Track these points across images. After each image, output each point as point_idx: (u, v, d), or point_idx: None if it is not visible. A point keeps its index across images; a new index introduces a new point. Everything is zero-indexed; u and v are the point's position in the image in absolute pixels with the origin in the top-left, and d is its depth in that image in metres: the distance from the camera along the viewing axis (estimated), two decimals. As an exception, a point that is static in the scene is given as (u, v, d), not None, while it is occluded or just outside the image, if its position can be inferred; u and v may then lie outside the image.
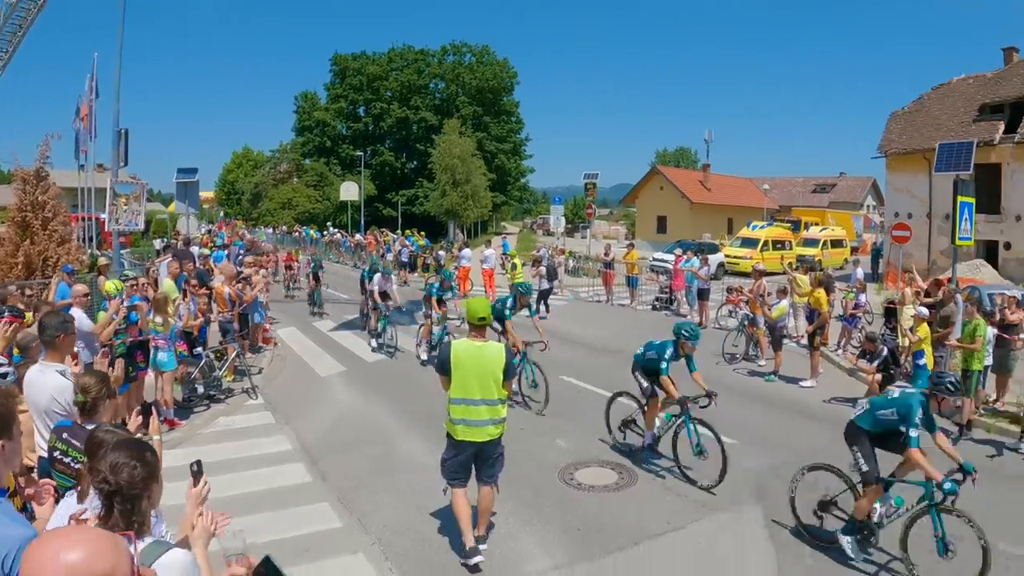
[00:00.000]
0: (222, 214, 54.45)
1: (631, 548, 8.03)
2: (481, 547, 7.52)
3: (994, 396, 14.22)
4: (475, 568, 7.30)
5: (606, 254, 30.93)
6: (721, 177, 66.48)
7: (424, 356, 17.10)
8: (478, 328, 7.61)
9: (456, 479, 7.57)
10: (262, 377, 15.55)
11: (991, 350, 13.66)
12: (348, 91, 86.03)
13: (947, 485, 7.06)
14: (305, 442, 11.58)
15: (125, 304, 11.19)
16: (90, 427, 4.81)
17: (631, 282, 28.81)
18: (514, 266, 26.23)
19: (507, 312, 14.21)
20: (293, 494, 9.27)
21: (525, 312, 14.70)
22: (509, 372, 7.59)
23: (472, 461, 7.63)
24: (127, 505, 3.12)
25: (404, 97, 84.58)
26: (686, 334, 10.54)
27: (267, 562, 2.49)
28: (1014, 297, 14.97)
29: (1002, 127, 35.24)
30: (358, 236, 50.23)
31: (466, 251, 32.64)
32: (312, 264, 27.02)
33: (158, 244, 32.90)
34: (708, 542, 8.29)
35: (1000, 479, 10.06)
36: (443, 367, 7.55)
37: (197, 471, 3.84)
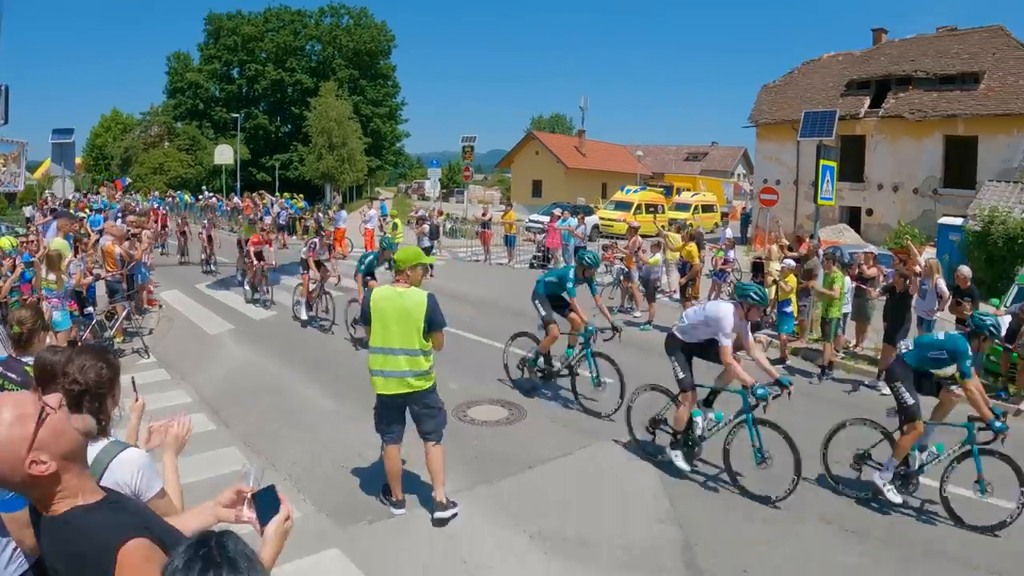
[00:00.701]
0: (129, 182, 52.11)
1: (525, 471, 8.76)
2: (440, 514, 7.26)
3: (854, 341, 15.75)
4: (396, 504, 7.50)
5: (484, 214, 31.50)
6: (596, 143, 67.53)
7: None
8: (401, 273, 7.24)
9: (386, 435, 7.41)
10: (151, 338, 15.47)
11: (850, 300, 14.94)
12: (222, 52, 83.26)
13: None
14: (204, 394, 11.78)
15: (20, 261, 11.15)
16: (26, 359, 5.03)
17: (509, 241, 29.59)
18: (395, 226, 26.65)
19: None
20: (200, 441, 9.39)
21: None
22: (435, 321, 7.13)
23: (401, 415, 7.38)
24: (95, 403, 3.48)
25: (280, 59, 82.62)
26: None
27: (270, 489, 2.70)
28: (871, 253, 16.27)
29: (868, 102, 37.65)
30: (235, 199, 49.36)
31: (342, 213, 32.86)
32: (368, 258, 15.77)
33: (28, 211, 31.82)
34: (596, 464, 9.17)
35: (860, 412, 11.08)
36: (364, 316, 7.36)
37: (134, 387, 4.24)
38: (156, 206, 37.66)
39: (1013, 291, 15.76)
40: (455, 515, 7.32)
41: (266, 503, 2.60)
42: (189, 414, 10.35)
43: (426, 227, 27.38)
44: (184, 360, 14.05)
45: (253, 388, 12.22)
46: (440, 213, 37.39)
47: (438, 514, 7.26)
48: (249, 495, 2.70)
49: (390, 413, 7.35)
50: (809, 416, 11.27)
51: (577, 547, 7.08)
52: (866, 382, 13.84)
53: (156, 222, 29.24)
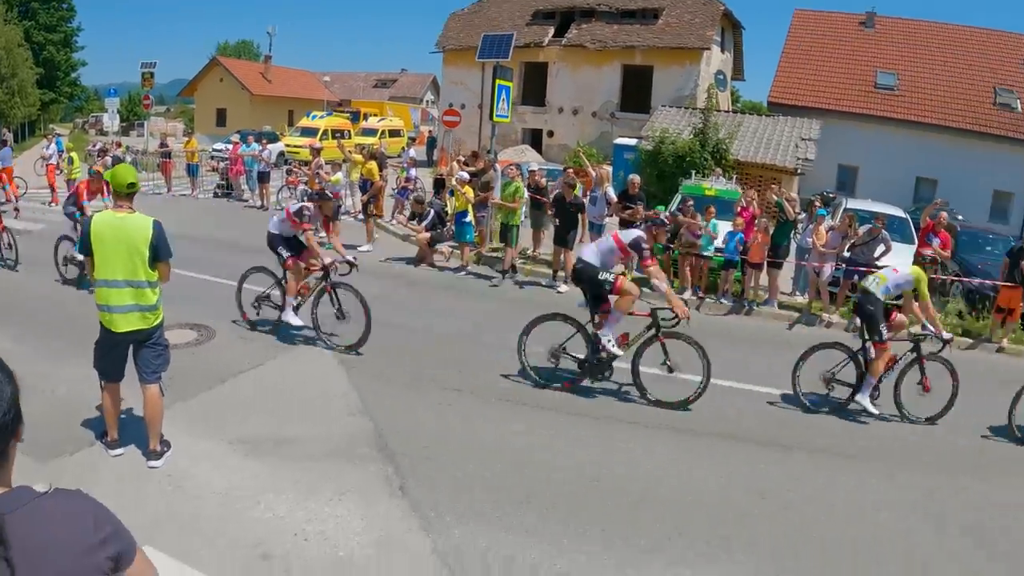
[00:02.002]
0: None
1: (218, 385, 8.92)
2: (153, 463, 6.82)
3: (532, 247, 17.07)
4: (112, 445, 7.04)
5: (163, 145, 30.21)
6: (283, 70, 66.11)
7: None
8: (124, 197, 6.70)
9: (103, 373, 6.89)
10: None
11: (528, 211, 16.01)
12: None
13: None
14: None
15: None
16: None
17: (191, 171, 28.44)
18: (71, 160, 25.25)
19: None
20: None
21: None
22: (161, 250, 6.70)
23: (125, 353, 6.88)
24: None
25: (-62, -21, 73.79)
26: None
27: None
28: (539, 171, 17.54)
29: (552, 31, 39.83)
30: None
31: (6, 151, 30.50)
32: None
33: None
34: (287, 371, 9.56)
35: (544, 309, 11.95)
36: (84, 246, 6.71)
37: None
38: None
39: (677, 199, 17.48)
40: (118, 452, 6.98)
41: None
42: None
43: (108, 159, 25.89)
44: None
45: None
46: (119, 145, 35.34)
47: (152, 463, 6.82)
48: None
49: (115, 351, 6.83)
50: (495, 314, 12.14)
51: (276, 446, 7.36)
52: (544, 282, 15.34)
53: None
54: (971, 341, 14.09)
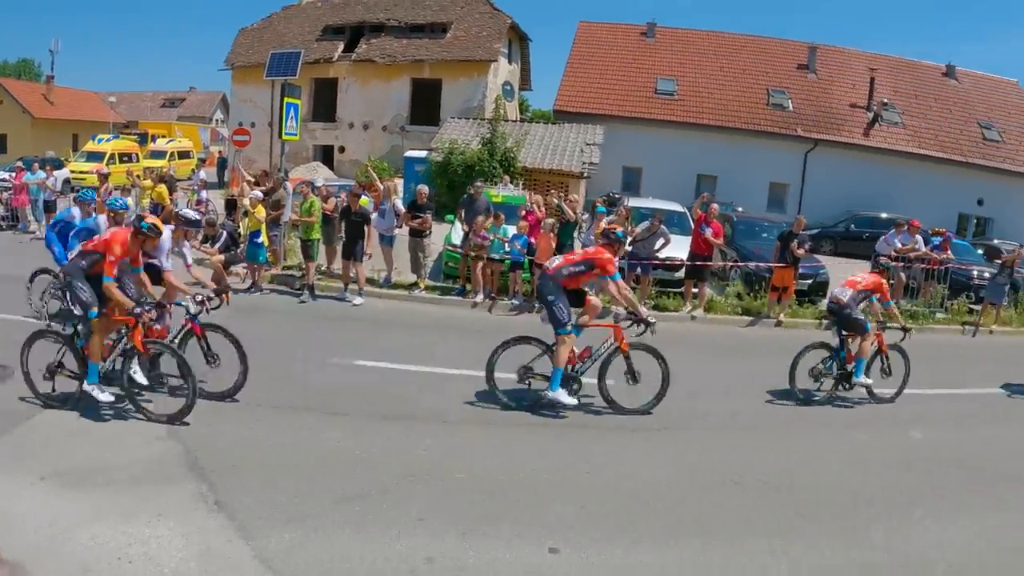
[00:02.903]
0: None
1: (24, 423, 8.61)
2: None
3: (326, 263, 17.52)
4: None
5: (-58, 178, 28.68)
6: (67, 91, 63.03)
7: None
8: None
9: None
10: None
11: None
12: None
13: None
14: None
15: None
16: None
17: (-24, 203, 27.12)
18: None
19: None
20: None
21: None
22: None
23: None
24: None
25: None
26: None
27: None
28: (325, 186, 17.90)
29: (341, 47, 40.07)
30: None
31: None
32: None
33: None
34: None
35: (351, 323, 12.23)
36: None
37: None
38: None
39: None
40: None
41: None
42: None
43: None
44: None
45: None
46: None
47: None
48: None
49: None
50: (295, 329, 12.34)
51: (90, 476, 7.36)
52: (337, 295, 15.90)
53: None
54: (751, 318, 16.09)
